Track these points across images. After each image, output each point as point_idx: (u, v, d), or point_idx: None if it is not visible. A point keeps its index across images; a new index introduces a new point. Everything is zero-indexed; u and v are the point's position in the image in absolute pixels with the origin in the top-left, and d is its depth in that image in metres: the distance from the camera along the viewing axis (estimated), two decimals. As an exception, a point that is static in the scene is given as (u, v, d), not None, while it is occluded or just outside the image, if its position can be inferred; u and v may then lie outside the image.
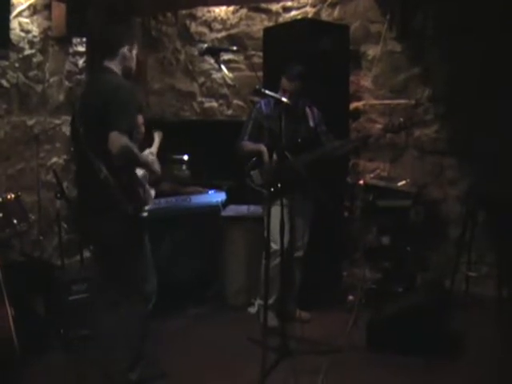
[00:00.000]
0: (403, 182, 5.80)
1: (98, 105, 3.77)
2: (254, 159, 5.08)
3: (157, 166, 4.14)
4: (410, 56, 6.09)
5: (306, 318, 5.30)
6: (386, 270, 5.59)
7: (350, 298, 5.57)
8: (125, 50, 3.96)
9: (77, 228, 5.47)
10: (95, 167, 3.79)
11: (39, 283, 4.83)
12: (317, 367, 4.30)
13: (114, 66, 3.95)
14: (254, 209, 5.69)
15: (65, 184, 5.55)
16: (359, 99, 6.33)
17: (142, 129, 4.59)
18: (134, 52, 4.06)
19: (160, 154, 4.36)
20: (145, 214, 4.01)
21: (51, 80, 5.97)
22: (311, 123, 5.17)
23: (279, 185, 4.42)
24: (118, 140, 3.63)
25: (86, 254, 5.31)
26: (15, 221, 4.63)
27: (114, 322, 4.12)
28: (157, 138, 4.44)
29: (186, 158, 6.14)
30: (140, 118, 4.70)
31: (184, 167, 6.17)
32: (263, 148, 4.93)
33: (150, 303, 4.14)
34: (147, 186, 4.06)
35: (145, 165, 4.02)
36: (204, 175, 6.23)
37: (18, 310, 4.00)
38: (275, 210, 4.43)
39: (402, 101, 6.13)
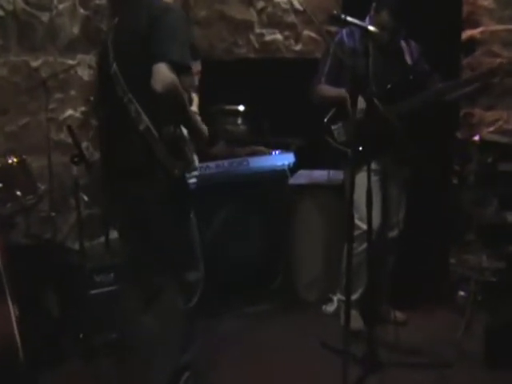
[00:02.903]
0: (534, 139, 5.69)
1: (140, 34, 3.75)
2: (335, 109, 5.06)
3: (204, 128, 4.17)
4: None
5: (402, 319, 5.32)
6: (511, 258, 5.48)
7: (461, 294, 5.57)
8: None
9: (101, 199, 5.55)
10: (132, 117, 3.78)
11: (51, 273, 4.90)
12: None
13: None
14: (334, 175, 5.69)
15: (83, 144, 5.56)
16: (475, 25, 6.25)
17: (196, 80, 4.56)
18: None
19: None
20: (192, 181, 4.02)
21: (60, 7, 5.90)
22: (408, 60, 5.18)
23: (367, 143, 4.34)
24: (164, 73, 3.59)
25: (113, 234, 5.32)
26: (19, 192, 4.67)
27: (149, 323, 4.14)
28: (195, 97, 4.47)
29: (241, 108, 6.10)
30: (197, 65, 4.67)
31: (239, 121, 6.14)
32: (346, 94, 4.88)
33: (195, 297, 4.15)
34: (192, 147, 4.06)
35: (192, 119, 3.99)
36: (266, 131, 6.20)
37: (24, 309, 4.05)
38: (362, 178, 4.37)
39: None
